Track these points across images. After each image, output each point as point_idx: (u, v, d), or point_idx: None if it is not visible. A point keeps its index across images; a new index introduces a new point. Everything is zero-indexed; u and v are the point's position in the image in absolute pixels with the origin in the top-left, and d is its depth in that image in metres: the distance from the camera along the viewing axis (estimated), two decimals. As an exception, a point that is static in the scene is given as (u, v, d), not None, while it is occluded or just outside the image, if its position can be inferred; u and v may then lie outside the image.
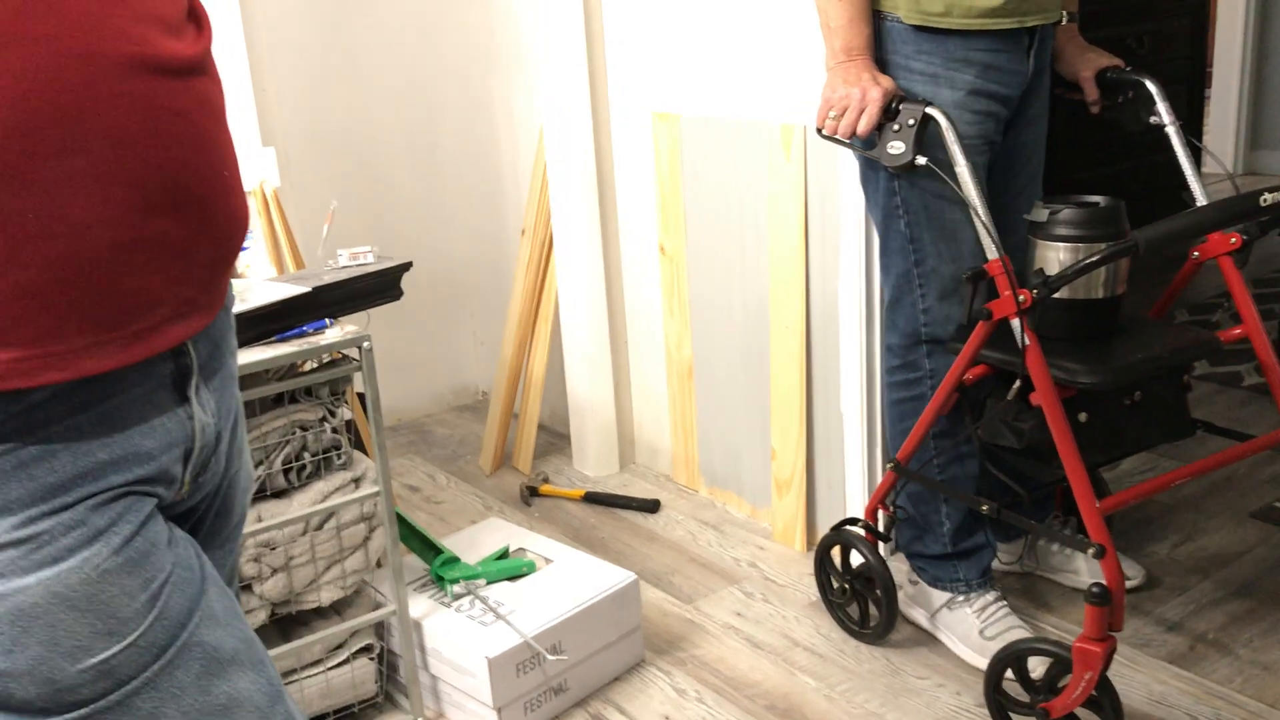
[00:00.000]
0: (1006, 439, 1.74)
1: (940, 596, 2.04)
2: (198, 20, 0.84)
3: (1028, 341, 1.61)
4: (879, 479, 2.25)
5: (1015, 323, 1.62)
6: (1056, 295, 1.62)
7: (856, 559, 2.06)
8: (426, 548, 2.06)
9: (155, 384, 0.82)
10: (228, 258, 0.87)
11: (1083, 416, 1.69)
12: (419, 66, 3.03)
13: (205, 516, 0.95)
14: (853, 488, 2.28)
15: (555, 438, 3.08)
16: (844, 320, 2.20)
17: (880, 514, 2.02)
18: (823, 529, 2.39)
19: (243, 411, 0.99)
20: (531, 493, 2.76)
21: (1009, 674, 1.74)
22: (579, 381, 2.82)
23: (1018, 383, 1.68)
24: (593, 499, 2.72)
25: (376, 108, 3.00)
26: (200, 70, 0.81)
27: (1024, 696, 1.73)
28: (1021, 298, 1.60)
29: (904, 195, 1.84)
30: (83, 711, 0.79)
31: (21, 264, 0.70)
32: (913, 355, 1.94)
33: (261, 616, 1.78)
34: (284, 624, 1.87)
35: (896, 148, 1.70)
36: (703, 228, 2.51)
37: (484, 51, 3.05)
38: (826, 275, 2.24)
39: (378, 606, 1.91)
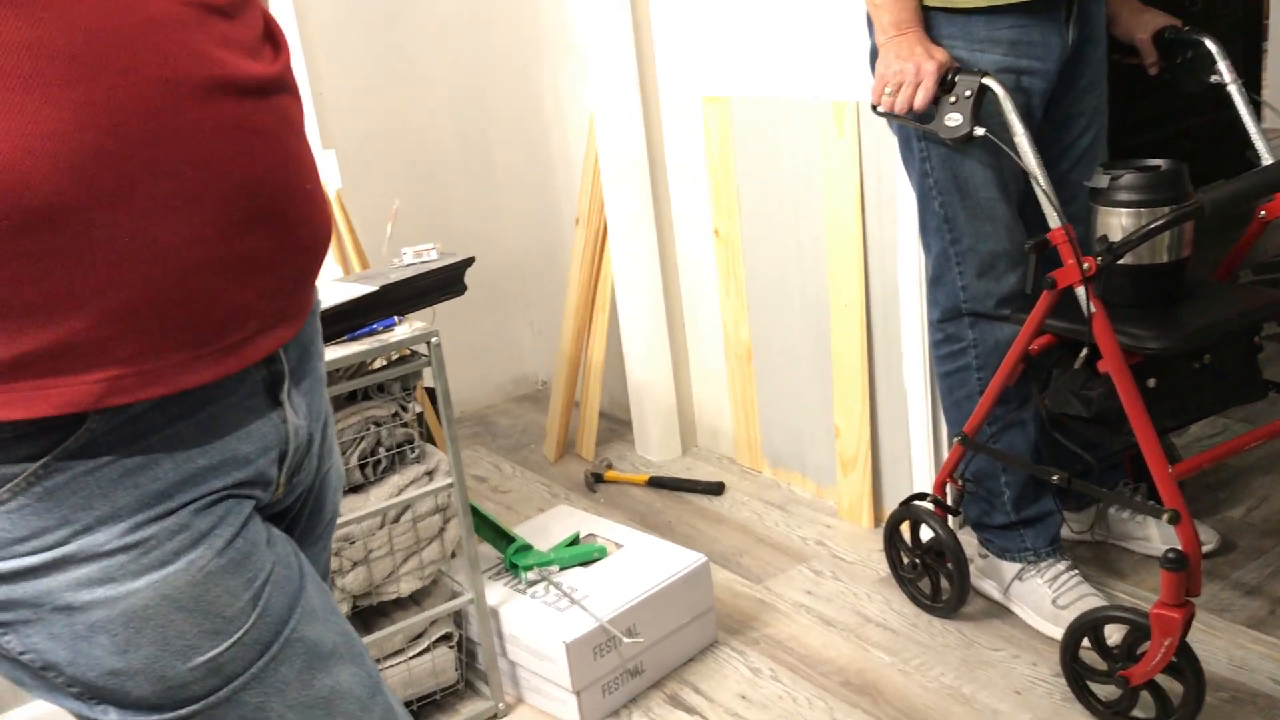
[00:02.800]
0: (1074, 408, 1.73)
1: (1010, 568, 2.03)
2: (274, 40, 0.87)
3: (1093, 309, 1.60)
4: (945, 453, 2.25)
5: (1080, 291, 1.61)
6: (1121, 261, 1.61)
7: (926, 534, 2.06)
8: (499, 537, 2.09)
9: (249, 391, 0.85)
10: (313, 267, 0.89)
11: (1151, 382, 1.68)
12: (469, 61, 3.06)
13: (300, 515, 0.98)
14: (919, 462, 2.28)
15: (617, 424, 3.11)
16: (904, 295, 2.20)
17: (949, 488, 2.02)
18: (890, 505, 2.40)
19: (331, 412, 1.02)
20: (596, 479, 2.79)
21: (1085, 642, 1.74)
22: (638, 367, 2.84)
23: (1085, 351, 1.67)
24: (657, 483, 2.74)
25: (429, 105, 3.03)
26: (280, 88, 0.83)
27: (1101, 665, 1.73)
28: (1086, 265, 1.59)
29: (936, 176, 1.84)
30: (194, 707, 0.82)
31: (119, 285, 0.73)
32: (955, 327, 1.95)
33: (344, 609, 1.83)
34: (365, 615, 1.91)
35: (954, 120, 1.69)
36: (757, 209, 2.51)
37: (532, 43, 3.07)
38: (885, 250, 2.23)
39: (455, 595, 1.94)
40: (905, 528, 2.11)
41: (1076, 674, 1.76)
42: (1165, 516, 1.60)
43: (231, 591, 0.82)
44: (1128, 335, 1.63)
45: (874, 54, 1.83)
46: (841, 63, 2.21)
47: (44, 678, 0.80)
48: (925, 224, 1.92)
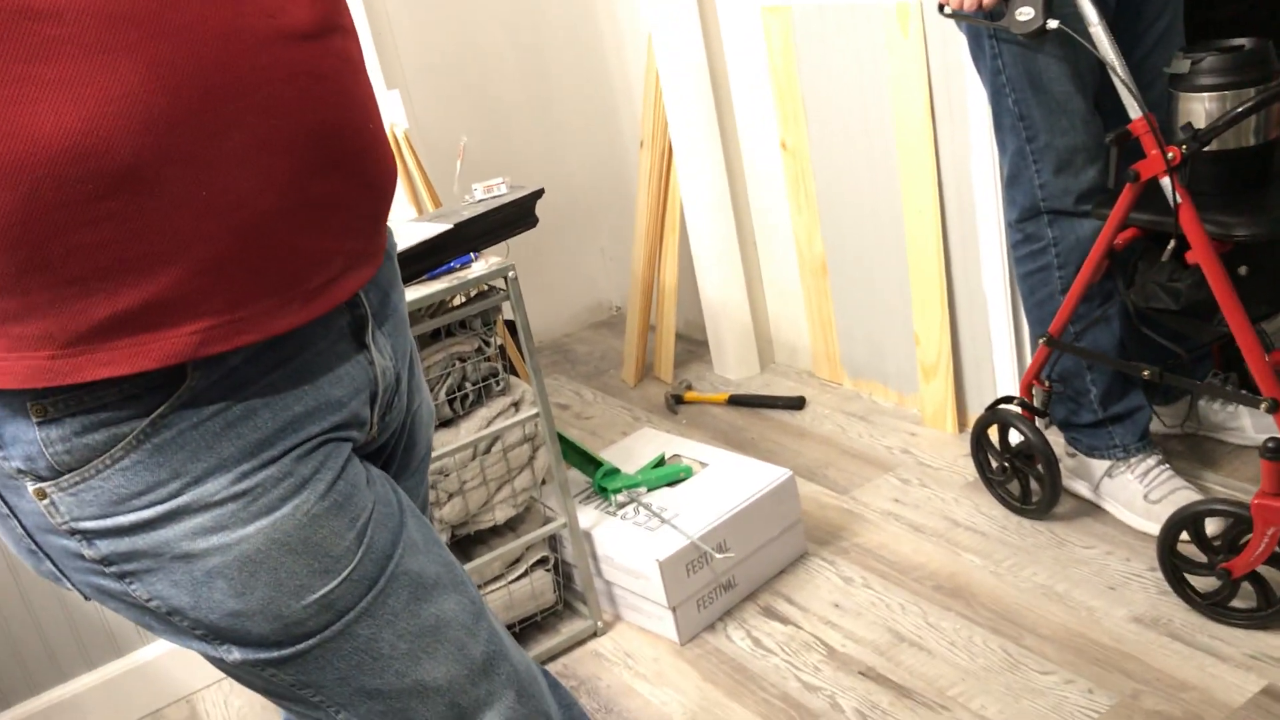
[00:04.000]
0: (1163, 301, 1.70)
1: (1100, 465, 2.02)
2: None
3: (1180, 199, 1.56)
4: (1027, 354, 2.22)
5: (1165, 181, 1.57)
6: (1206, 147, 1.56)
7: (1015, 437, 2.05)
8: (587, 462, 2.13)
9: (336, 336, 0.88)
10: (384, 207, 0.91)
11: (1243, 270, 1.64)
12: (522, -10, 3.04)
13: (395, 452, 1.02)
14: (1001, 365, 2.26)
15: (693, 345, 3.12)
16: (979, 197, 2.16)
17: (1036, 389, 2.00)
18: (973, 410, 2.38)
19: (417, 350, 1.04)
20: (676, 401, 2.81)
21: (1184, 536, 1.72)
22: (711, 287, 2.84)
23: (1172, 242, 1.63)
24: (737, 401, 2.75)
25: (488, 39, 3.02)
26: (336, 28, 0.83)
27: (1201, 558, 1.72)
28: (1170, 154, 1.55)
29: (1009, 73, 1.79)
30: (311, 641, 0.86)
31: (202, 239, 0.75)
32: (1034, 227, 1.91)
33: (443, 539, 1.88)
34: (464, 544, 1.97)
35: (1025, 13, 1.64)
36: (824, 119, 2.48)
37: (584, -34, 3.04)
38: (957, 153, 2.19)
39: (548, 521, 1.99)
40: (993, 431, 2.10)
41: (1175, 568, 1.75)
42: (1263, 405, 1.57)
43: (337, 532, 0.85)
44: (1216, 223, 1.59)
45: None
46: (903, -39, 2.15)
47: (170, 622, 0.85)
48: (999, 122, 1.88)
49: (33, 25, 0.67)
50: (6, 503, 0.82)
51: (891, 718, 1.68)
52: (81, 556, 0.83)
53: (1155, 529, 1.93)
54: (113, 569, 0.83)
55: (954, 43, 2.09)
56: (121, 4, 0.70)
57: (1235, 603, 1.70)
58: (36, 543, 0.84)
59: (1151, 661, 1.68)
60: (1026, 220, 1.91)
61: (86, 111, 0.69)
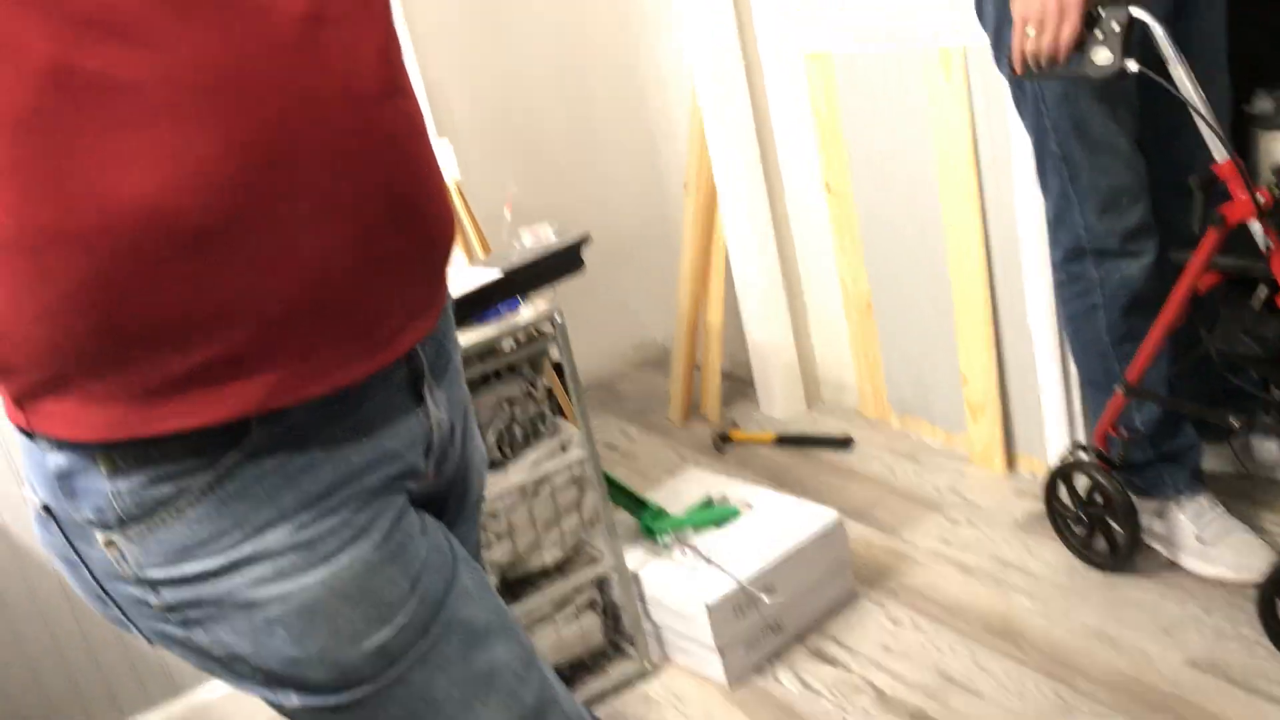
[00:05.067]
0: (1249, 348, 1.67)
1: (1150, 505, 2.00)
2: (387, 44, 0.90)
3: (1271, 244, 1.53)
4: (1075, 392, 2.21)
5: (1256, 225, 1.55)
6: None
7: (1084, 484, 2.00)
8: (634, 503, 2.14)
9: (394, 389, 0.90)
10: (444, 262, 0.93)
11: None
12: (569, 37, 3.09)
13: (449, 499, 1.04)
14: (1049, 404, 2.25)
15: (740, 384, 3.13)
16: (1024, 236, 2.16)
17: (1111, 438, 1.95)
18: (1021, 449, 2.37)
19: (470, 400, 1.07)
20: (723, 440, 2.82)
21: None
22: (757, 326, 2.85)
23: (1262, 288, 1.61)
24: (784, 440, 2.76)
25: (534, 86, 3.07)
26: (399, 90, 0.86)
27: None
28: (1262, 199, 1.53)
29: (1052, 116, 1.79)
30: (368, 688, 0.88)
31: (273, 297, 0.78)
32: (1078, 267, 1.90)
33: (492, 581, 1.90)
34: (513, 586, 1.98)
35: (1104, 57, 1.59)
36: (868, 161, 2.49)
37: (630, 13, 3.09)
38: (1001, 191, 2.20)
39: (596, 562, 2.00)
40: (1066, 483, 2.05)
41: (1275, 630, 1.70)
42: None
43: (392, 580, 0.87)
44: None
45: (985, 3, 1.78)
46: (945, 6, 2.17)
47: (232, 668, 0.87)
48: (1042, 165, 1.88)
49: (115, 97, 0.70)
50: (77, 551, 0.85)
51: (942, 762, 1.67)
52: (148, 604, 0.85)
53: (1209, 570, 1.91)
54: (177, 616, 0.85)
55: (997, 86, 2.10)
56: (203, 76, 0.72)
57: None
58: (105, 590, 0.86)
59: (1208, 706, 1.66)
60: (1071, 261, 1.91)
61: (162, 180, 0.72)
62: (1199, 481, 1.98)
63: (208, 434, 0.80)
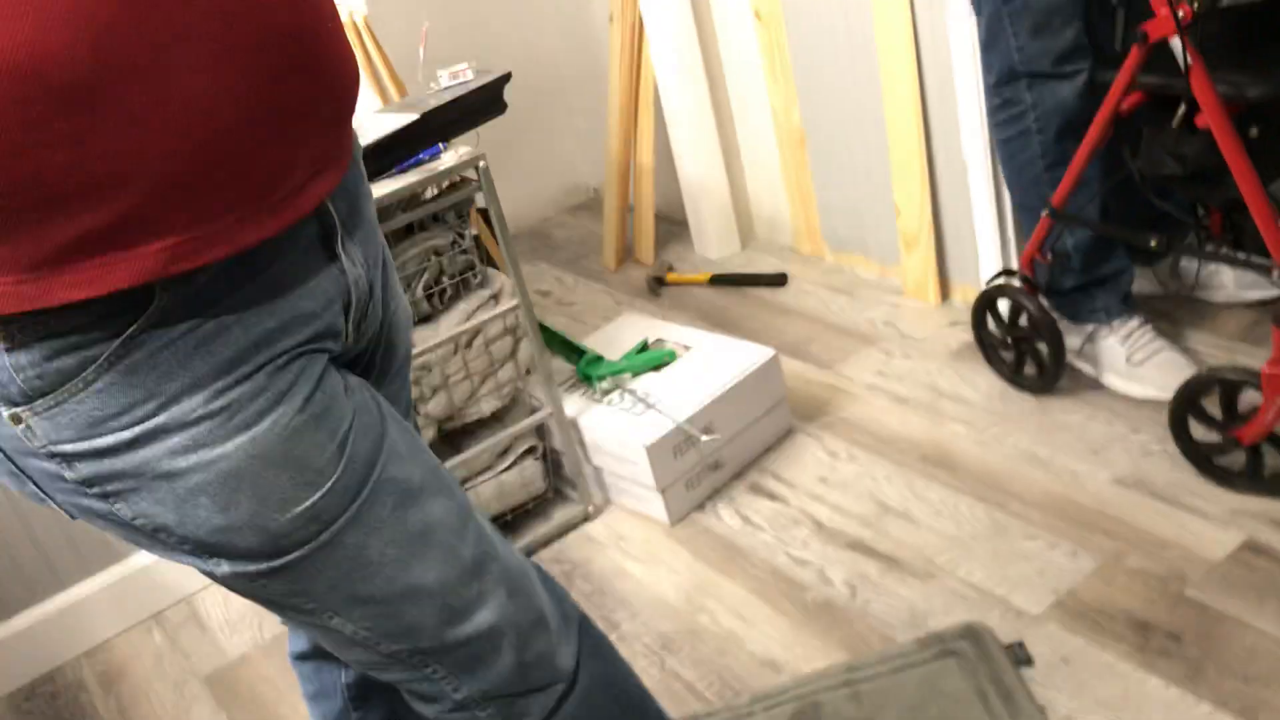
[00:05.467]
0: (1170, 167, 1.67)
1: (1082, 329, 2.02)
2: None
3: (1191, 61, 1.51)
4: (1009, 222, 2.20)
5: (1175, 42, 1.52)
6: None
7: (1007, 309, 2.03)
8: (570, 350, 2.13)
9: (305, 247, 0.86)
10: (348, 110, 0.88)
11: (1254, 131, 1.59)
12: None
13: (374, 358, 1.01)
14: (983, 234, 2.25)
15: (673, 225, 3.09)
16: (958, 63, 2.11)
17: (1036, 263, 1.97)
18: (955, 280, 2.38)
19: (390, 254, 1.02)
20: (658, 283, 2.80)
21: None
22: (689, 164, 2.80)
23: (1182, 107, 1.59)
24: (719, 280, 2.74)
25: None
26: None
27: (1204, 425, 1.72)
28: (1181, 13, 1.49)
29: None
30: (299, 553, 0.86)
31: (164, 155, 0.73)
32: (1011, 91, 1.87)
33: (430, 434, 1.89)
34: (452, 438, 1.97)
35: None
36: (796, -14, 2.41)
37: None
38: (934, 17, 2.14)
39: (534, 410, 2.00)
40: (994, 307, 2.07)
41: (1187, 437, 1.75)
42: (1276, 274, 1.56)
43: (318, 444, 0.85)
44: (1228, 84, 1.54)
45: None
46: None
47: (157, 539, 0.85)
48: None
49: None
50: (-17, 428, 0.81)
51: (880, 587, 1.72)
52: (63, 478, 0.82)
53: (1139, 391, 1.95)
54: (95, 490, 0.82)
55: (929, -100, 2.02)
56: None
57: (1222, 461, 1.72)
58: (17, 465, 0.83)
59: (1134, 522, 1.71)
60: (1004, 84, 1.88)
61: (33, 26, 0.66)
62: (1130, 305, 2.00)
63: (108, 302, 0.76)
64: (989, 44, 1.86)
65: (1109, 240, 1.93)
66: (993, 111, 1.94)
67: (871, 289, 2.55)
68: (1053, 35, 1.79)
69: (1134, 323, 1.98)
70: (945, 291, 2.41)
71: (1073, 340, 2.04)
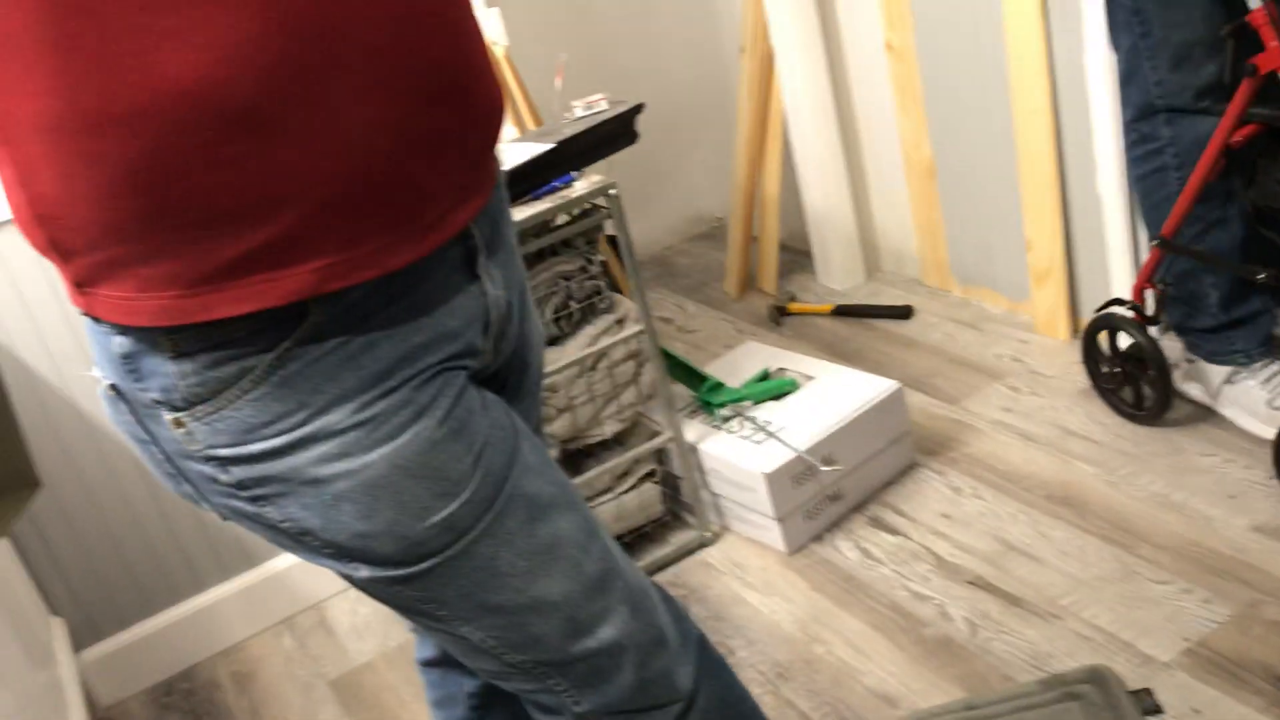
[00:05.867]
0: None
1: (1220, 371, 1.96)
2: None
3: None
4: (1143, 255, 2.15)
5: None
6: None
7: (1125, 341, 2.00)
8: (692, 376, 2.15)
9: (449, 268, 0.90)
10: (493, 139, 0.92)
11: None
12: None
13: (509, 376, 1.04)
14: (1116, 270, 2.20)
15: (797, 255, 3.09)
16: (1094, 96, 2.08)
17: (1149, 293, 1.94)
18: (1087, 316, 2.33)
19: (526, 277, 1.06)
20: (780, 312, 2.80)
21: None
22: (815, 195, 2.80)
23: None
24: (843, 311, 2.73)
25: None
26: None
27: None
28: None
29: None
30: (434, 560, 0.90)
31: (322, 179, 0.77)
32: (1149, 126, 1.84)
33: (554, 454, 1.93)
34: (573, 459, 2.01)
35: None
36: (930, 18, 2.40)
37: None
38: (1071, 50, 2.11)
39: (655, 435, 2.02)
40: (1104, 337, 2.06)
41: None
42: None
43: (455, 456, 0.88)
44: None
45: None
46: None
47: (302, 542, 0.89)
48: (1113, 19, 1.80)
49: None
50: (147, 430, 0.87)
51: (1002, 626, 1.68)
52: (217, 481, 0.87)
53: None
54: (246, 493, 0.87)
55: (1068, -67, 2.00)
56: None
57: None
58: (176, 467, 0.89)
59: (1273, 571, 1.65)
60: (1142, 119, 1.84)
61: (206, 58, 0.71)
62: (1269, 347, 1.93)
63: (266, 317, 0.80)
64: (1127, 78, 1.84)
65: (1250, 283, 1.87)
66: (1130, 147, 1.91)
67: (999, 324, 2.51)
68: (1193, 70, 1.76)
69: (1275, 366, 1.91)
70: (1076, 328, 2.36)
71: (1210, 382, 1.98)
